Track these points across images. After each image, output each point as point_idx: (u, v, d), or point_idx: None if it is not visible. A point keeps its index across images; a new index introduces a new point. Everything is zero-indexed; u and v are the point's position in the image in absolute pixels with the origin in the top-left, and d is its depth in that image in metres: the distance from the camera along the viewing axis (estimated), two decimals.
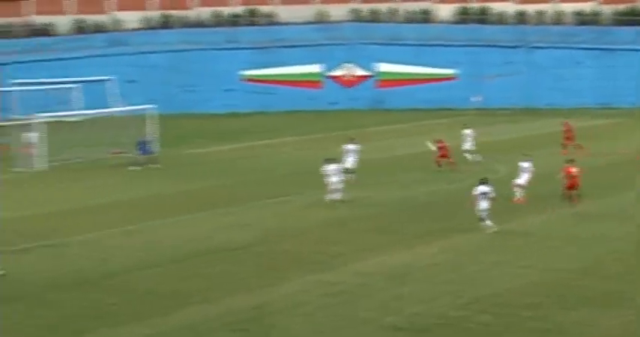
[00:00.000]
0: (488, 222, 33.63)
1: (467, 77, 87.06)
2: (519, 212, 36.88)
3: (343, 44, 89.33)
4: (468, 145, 52.17)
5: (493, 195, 33.82)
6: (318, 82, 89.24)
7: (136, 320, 24.48)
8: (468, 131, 52.58)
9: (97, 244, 33.40)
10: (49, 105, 66.48)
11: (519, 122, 73.48)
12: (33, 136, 53.88)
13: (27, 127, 54.95)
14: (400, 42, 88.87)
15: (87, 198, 43.20)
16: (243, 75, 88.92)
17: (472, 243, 32.25)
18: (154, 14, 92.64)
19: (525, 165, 39.97)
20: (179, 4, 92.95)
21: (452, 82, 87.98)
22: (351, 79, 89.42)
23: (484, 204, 33.57)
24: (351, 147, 46.30)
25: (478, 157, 51.16)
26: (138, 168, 51.76)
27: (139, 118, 56.28)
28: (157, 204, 41.30)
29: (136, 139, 53.87)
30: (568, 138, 54.80)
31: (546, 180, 40.03)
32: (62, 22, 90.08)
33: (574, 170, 38.06)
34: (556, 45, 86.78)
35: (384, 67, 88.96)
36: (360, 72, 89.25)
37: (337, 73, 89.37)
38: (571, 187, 38.05)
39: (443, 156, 48.01)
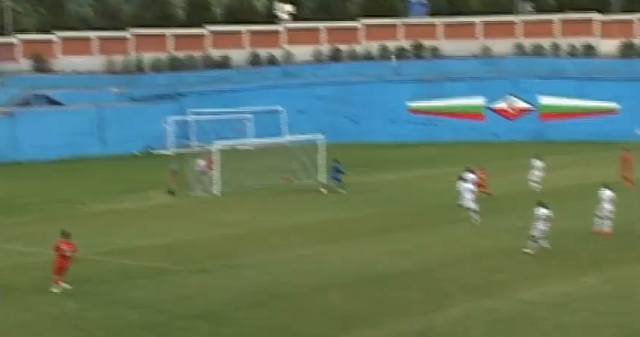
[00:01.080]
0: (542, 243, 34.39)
1: (629, 111, 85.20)
2: None
3: (506, 78, 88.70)
4: (535, 176, 51.78)
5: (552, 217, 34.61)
6: (480, 114, 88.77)
7: None
8: (538, 162, 52.27)
9: (270, 266, 33.89)
10: (224, 133, 67.97)
11: None
12: (199, 164, 55.14)
13: (201, 155, 56.27)
14: (562, 75, 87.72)
15: (261, 221, 43.87)
16: (408, 106, 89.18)
17: (638, 275, 31.50)
18: (324, 48, 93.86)
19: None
20: (348, 39, 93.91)
21: (614, 115, 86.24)
22: (513, 111, 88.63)
23: (541, 226, 34.64)
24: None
25: (537, 188, 50.88)
26: (325, 191, 52.81)
27: (309, 147, 56.97)
28: (327, 229, 41.67)
29: (329, 165, 54.67)
30: (625, 168, 53.33)
31: None
32: (238, 55, 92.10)
33: None
34: None
35: (546, 100, 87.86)
36: (521, 105, 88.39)
37: (500, 105, 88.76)
38: None
39: (480, 185, 46.56)
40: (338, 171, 53.94)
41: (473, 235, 39.05)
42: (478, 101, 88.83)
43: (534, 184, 51.99)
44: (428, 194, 52.24)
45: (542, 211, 35.10)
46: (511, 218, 41.06)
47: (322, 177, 55.05)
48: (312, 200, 50.94)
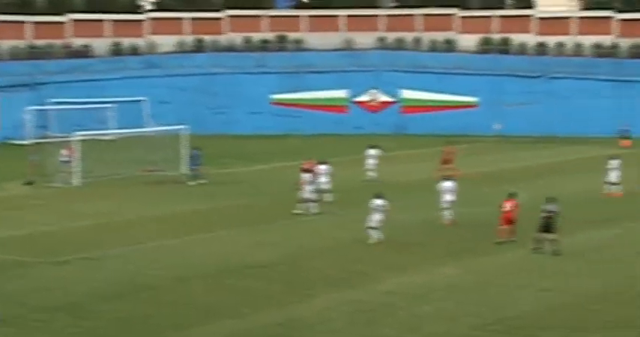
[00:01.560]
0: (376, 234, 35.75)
1: (487, 105, 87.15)
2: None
3: (369, 71, 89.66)
4: (369, 165, 54.01)
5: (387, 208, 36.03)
6: (344, 106, 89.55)
7: (172, 330, 24.71)
8: (372, 151, 54.72)
9: (132, 257, 33.60)
10: (85, 123, 66.97)
11: (537, 149, 73.43)
12: (62, 154, 54.30)
13: (63, 145, 55.39)
14: (423, 70, 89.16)
15: (122, 213, 43.42)
16: (271, 98, 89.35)
17: (495, 265, 32.29)
18: (188, 38, 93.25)
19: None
20: (212, 29, 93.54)
21: (473, 109, 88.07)
22: (376, 104, 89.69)
23: (377, 217, 35.93)
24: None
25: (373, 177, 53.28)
26: (193, 183, 52.53)
27: (172, 138, 56.59)
28: (190, 220, 41.49)
29: (185, 154, 54.31)
30: (445, 162, 55.55)
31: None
32: (100, 44, 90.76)
33: (509, 204, 35.55)
34: (575, 76, 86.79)
35: (408, 94, 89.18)
36: (384, 98, 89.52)
37: (362, 98, 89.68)
38: (507, 222, 35.50)
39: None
40: (195, 158, 53.77)
41: (334, 227, 39.42)
42: (341, 94, 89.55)
43: (370, 173, 53.72)
44: (290, 186, 52.42)
45: (377, 202, 35.90)
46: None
47: (185, 168, 54.78)
48: (174, 191, 50.61)
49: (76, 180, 52.59)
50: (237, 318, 25.85)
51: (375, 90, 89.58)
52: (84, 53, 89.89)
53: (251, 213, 43.55)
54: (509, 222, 35.53)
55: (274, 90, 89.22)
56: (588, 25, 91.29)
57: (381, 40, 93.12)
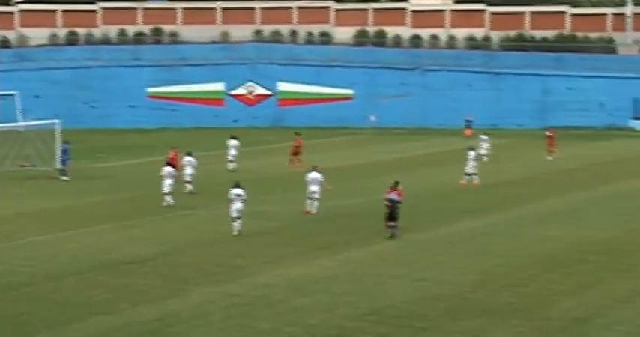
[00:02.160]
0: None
1: (363, 97, 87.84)
2: (418, 226, 37.24)
3: (245, 64, 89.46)
4: (230, 156, 55.27)
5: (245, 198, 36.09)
6: (221, 99, 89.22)
7: (46, 329, 24.24)
8: (233, 141, 55.98)
9: (3, 254, 32.83)
10: None
11: (411, 141, 74.35)
12: None
13: None
14: (300, 62, 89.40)
15: None
16: (147, 92, 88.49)
17: (371, 256, 32.54)
18: (61, 31, 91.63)
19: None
20: (86, 22, 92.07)
21: (349, 101, 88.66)
22: (253, 97, 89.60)
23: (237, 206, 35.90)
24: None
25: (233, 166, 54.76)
26: (66, 178, 51.73)
27: (45, 133, 55.54)
28: (63, 215, 40.77)
29: (54, 151, 53.35)
30: (294, 153, 57.05)
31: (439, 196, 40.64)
32: None
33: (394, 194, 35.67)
34: (448, 68, 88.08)
35: (284, 87, 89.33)
36: (261, 91, 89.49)
37: (239, 91, 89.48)
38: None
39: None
40: (65, 152, 53.11)
41: (210, 221, 39.23)
42: (218, 87, 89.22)
43: (231, 164, 54.69)
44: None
45: (235, 192, 36.04)
46: (251, 203, 41.47)
47: (59, 163, 53.79)
48: (47, 187, 49.71)
49: None
50: (112, 314, 25.49)
51: (251, 83, 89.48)
52: None
53: (125, 207, 43.06)
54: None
55: (150, 83, 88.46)
56: (461, 18, 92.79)
57: (257, 32, 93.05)
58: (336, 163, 55.56)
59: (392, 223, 35.14)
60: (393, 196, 35.34)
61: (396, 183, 36.40)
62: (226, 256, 32.60)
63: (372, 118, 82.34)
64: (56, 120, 56.24)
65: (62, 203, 44.30)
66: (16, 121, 72.12)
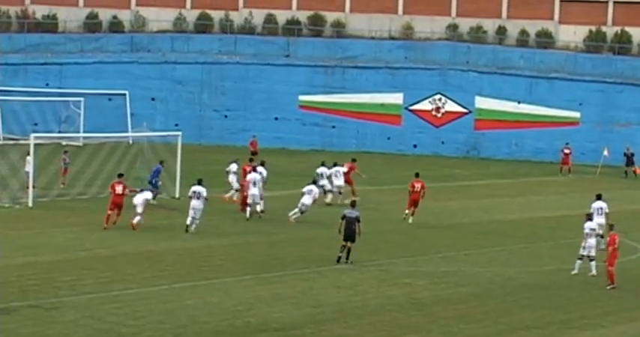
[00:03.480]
0: None
1: (594, 123, 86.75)
2: None
3: (433, 69, 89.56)
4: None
5: None
6: (397, 116, 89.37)
7: None
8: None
9: (97, 309, 33.34)
10: None
11: None
12: None
13: None
14: (509, 71, 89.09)
15: None
16: (298, 100, 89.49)
17: None
18: (189, 14, 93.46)
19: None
20: (222, 3, 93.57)
21: (573, 127, 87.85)
22: (441, 115, 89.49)
23: None
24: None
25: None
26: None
27: (160, 147, 56.65)
28: (175, 258, 41.27)
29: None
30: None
31: None
32: None
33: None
34: None
35: (485, 103, 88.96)
36: (452, 107, 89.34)
37: (423, 106, 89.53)
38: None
39: None
40: (156, 174, 54.64)
41: (378, 279, 39.31)
42: (394, 99, 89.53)
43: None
44: None
45: None
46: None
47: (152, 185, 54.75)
48: (156, 219, 50.67)
49: None
50: None
51: (440, 96, 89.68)
52: None
53: (258, 253, 43.54)
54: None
55: (304, 89, 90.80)
56: None
57: (452, 27, 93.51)
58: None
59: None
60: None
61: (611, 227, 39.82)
62: (395, 330, 32.28)
63: (605, 153, 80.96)
64: (177, 133, 57.11)
65: (174, 242, 45.07)
66: (124, 130, 73.73)
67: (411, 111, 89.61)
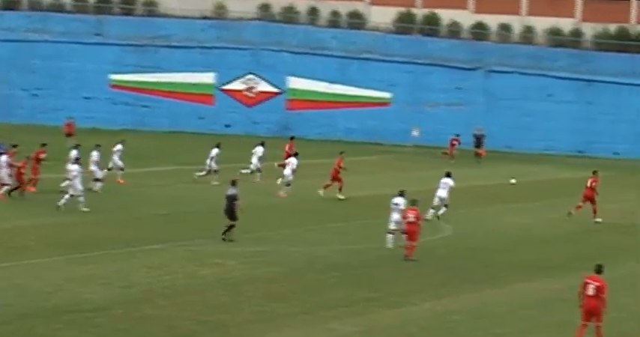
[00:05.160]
0: None
1: (404, 104, 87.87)
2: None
3: (245, 49, 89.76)
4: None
5: None
6: (209, 96, 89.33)
7: None
8: None
9: None
10: None
11: (465, 166, 74.19)
12: None
13: None
14: (321, 52, 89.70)
15: None
16: (109, 79, 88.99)
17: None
18: None
19: None
20: None
21: (385, 108, 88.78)
22: (253, 95, 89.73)
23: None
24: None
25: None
26: None
27: None
28: None
29: None
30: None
31: None
32: None
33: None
34: (522, 70, 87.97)
35: (297, 83, 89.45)
36: (265, 87, 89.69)
37: (235, 86, 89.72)
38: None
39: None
40: None
41: (192, 260, 39.37)
42: (207, 78, 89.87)
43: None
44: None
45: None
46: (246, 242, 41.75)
47: None
48: None
49: None
50: None
51: (252, 77, 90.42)
52: None
53: (71, 233, 43.25)
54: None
55: (114, 68, 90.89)
56: (542, 4, 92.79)
57: (264, 7, 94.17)
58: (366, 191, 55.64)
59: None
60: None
61: (413, 202, 41.15)
62: (205, 309, 32.42)
63: (415, 133, 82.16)
64: None
65: None
66: None
67: (223, 91, 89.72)
